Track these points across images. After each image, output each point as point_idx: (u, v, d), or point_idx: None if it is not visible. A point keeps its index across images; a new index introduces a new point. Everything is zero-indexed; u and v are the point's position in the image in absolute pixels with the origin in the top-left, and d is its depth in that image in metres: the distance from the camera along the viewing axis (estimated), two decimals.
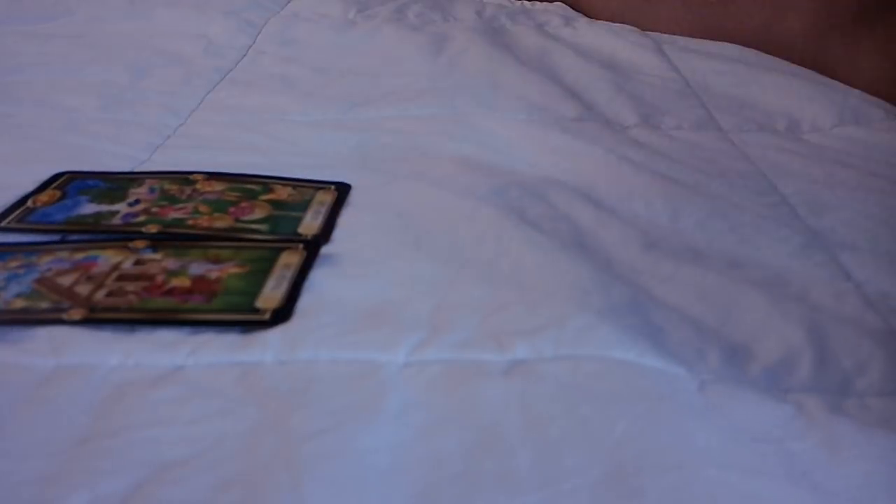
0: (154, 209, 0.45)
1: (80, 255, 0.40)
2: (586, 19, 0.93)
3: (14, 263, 0.40)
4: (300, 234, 0.43)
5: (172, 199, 0.46)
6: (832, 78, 0.72)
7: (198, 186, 0.48)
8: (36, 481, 0.28)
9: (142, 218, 0.44)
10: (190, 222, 0.44)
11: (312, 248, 0.41)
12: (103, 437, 0.30)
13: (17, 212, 0.45)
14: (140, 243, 0.41)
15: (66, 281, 0.38)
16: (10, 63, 0.71)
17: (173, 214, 0.44)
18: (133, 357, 0.34)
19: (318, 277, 0.39)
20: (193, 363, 0.34)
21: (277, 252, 0.40)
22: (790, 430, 0.31)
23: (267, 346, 0.35)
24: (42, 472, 0.28)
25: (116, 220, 0.44)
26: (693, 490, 0.28)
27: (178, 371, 0.33)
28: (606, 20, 0.92)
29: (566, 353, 0.34)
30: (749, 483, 0.28)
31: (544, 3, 0.98)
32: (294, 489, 0.27)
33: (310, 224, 0.44)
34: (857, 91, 0.69)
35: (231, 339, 0.35)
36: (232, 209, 0.45)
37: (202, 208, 0.45)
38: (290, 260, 0.40)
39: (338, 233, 0.43)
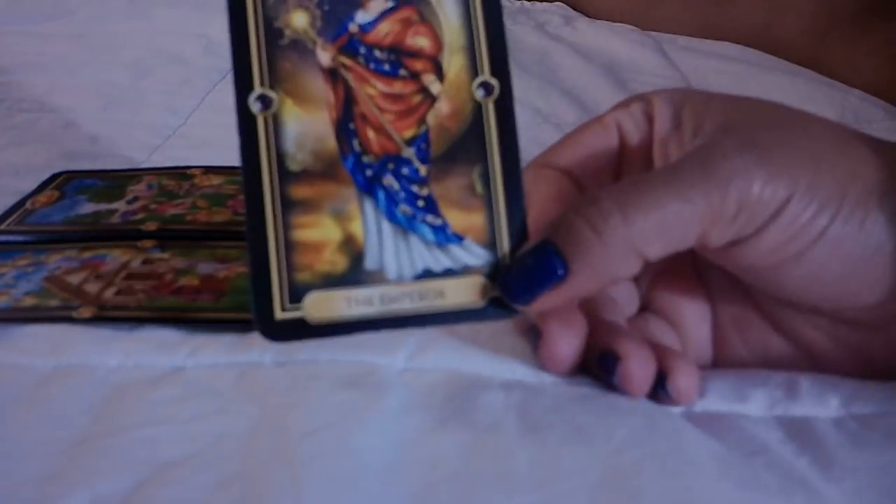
0: (153, 206, 0.45)
1: (87, 254, 0.41)
2: (586, 19, 0.93)
3: (23, 262, 0.40)
4: None
5: (171, 195, 0.46)
6: (832, 78, 0.72)
7: (195, 181, 0.48)
8: (35, 481, 0.28)
9: (141, 215, 0.44)
10: (189, 218, 0.44)
11: None
12: (103, 437, 0.30)
13: (17, 214, 0.45)
14: (148, 242, 0.41)
15: (74, 279, 0.38)
16: (10, 63, 0.71)
17: (172, 210, 0.44)
18: (132, 358, 0.34)
19: None
20: (193, 364, 0.34)
21: None
22: (784, 450, 0.31)
23: (266, 346, 0.34)
24: (41, 472, 0.28)
25: (115, 219, 0.44)
26: (690, 496, 0.28)
27: (177, 372, 0.34)
28: (606, 20, 0.92)
29: None
30: (745, 494, 0.28)
31: (544, 3, 0.98)
32: (292, 487, 0.28)
33: None
34: (857, 91, 0.69)
35: (230, 340, 0.35)
36: (230, 202, 0.45)
37: (200, 203, 0.45)
38: None
39: None
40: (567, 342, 0.31)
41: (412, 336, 0.35)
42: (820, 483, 0.29)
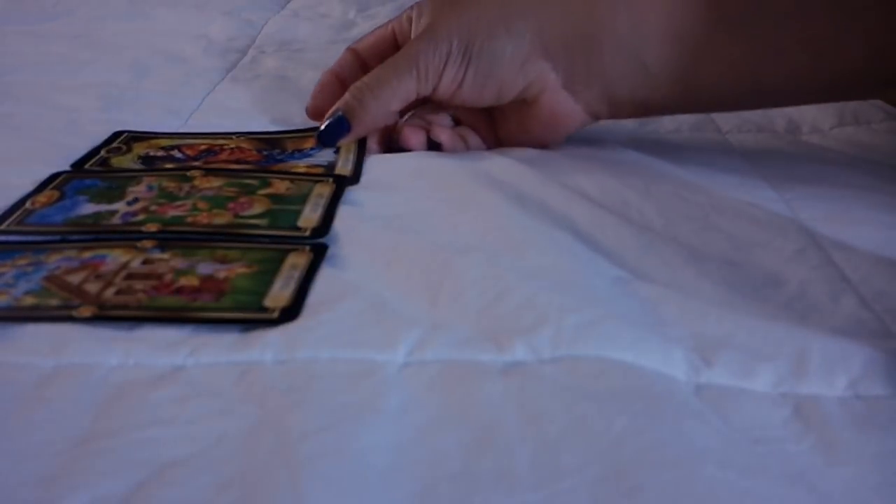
0: (153, 207, 0.45)
1: (87, 254, 0.41)
2: None
3: (23, 261, 0.40)
4: (300, 228, 0.43)
5: (171, 197, 0.46)
6: None
7: (196, 183, 0.48)
8: (35, 481, 0.28)
9: (141, 217, 0.44)
10: (189, 219, 0.44)
11: (319, 250, 0.41)
12: (103, 438, 0.30)
13: (17, 214, 0.45)
14: (148, 243, 0.41)
15: (74, 279, 0.38)
16: (10, 63, 0.71)
17: (172, 212, 0.44)
18: (133, 357, 0.34)
19: (318, 276, 0.39)
20: (193, 363, 0.34)
21: (285, 253, 0.41)
22: (787, 431, 0.31)
23: (266, 345, 0.35)
24: (42, 472, 0.28)
25: (116, 220, 0.44)
26: (692, 487, 0.28)
27: (177, 371, 0.34)
28: None
29: (564, 354, 0.34)
30: (747, 482, 0.28)
31: None
32: (293, 488, 0.28)
33: (309, 217, 0.44)
34: None
35: (231, 339, 0.35)
36: (231, 205, 0.45)
37: (201, 205, 0.45)
38: (297, 261, 0.40)
39: (336, 231, 0.43)
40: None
41: (413, 330, 0.35)
42: (823, 469, 0.29)
